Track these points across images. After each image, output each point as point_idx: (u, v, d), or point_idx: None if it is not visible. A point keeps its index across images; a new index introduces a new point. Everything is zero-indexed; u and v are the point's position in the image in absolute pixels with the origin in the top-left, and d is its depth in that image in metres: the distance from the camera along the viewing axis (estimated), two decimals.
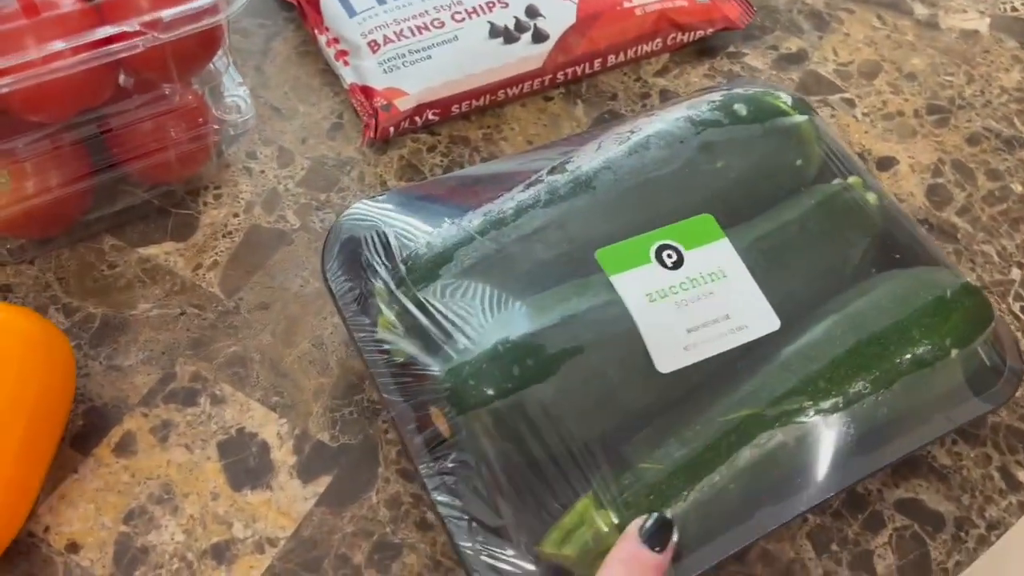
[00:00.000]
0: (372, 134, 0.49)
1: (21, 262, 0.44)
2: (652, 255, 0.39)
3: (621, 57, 0.55)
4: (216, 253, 0.45)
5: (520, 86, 0.52)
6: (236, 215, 0.46)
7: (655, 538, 0.34)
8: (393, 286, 0.39)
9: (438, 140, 0.51)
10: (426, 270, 0.39)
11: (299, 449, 0.40)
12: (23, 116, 0.38)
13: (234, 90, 0.43)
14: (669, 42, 0.56)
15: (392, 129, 0.49)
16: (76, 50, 0.35)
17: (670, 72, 0.56)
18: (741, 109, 0.44)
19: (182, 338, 0.42)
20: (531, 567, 0.34)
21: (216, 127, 0.42)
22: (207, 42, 0.39)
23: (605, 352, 0.37)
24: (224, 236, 0.46)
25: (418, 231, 0.41)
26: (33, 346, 0.35)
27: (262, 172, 0.48)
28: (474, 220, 0.40)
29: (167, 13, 0.36)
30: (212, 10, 0.37)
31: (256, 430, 0.40)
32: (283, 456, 0.39)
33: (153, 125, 0.42)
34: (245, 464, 0.39)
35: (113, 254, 0.44)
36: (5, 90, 0.33)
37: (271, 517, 0.38)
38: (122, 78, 0.41)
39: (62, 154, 0.41)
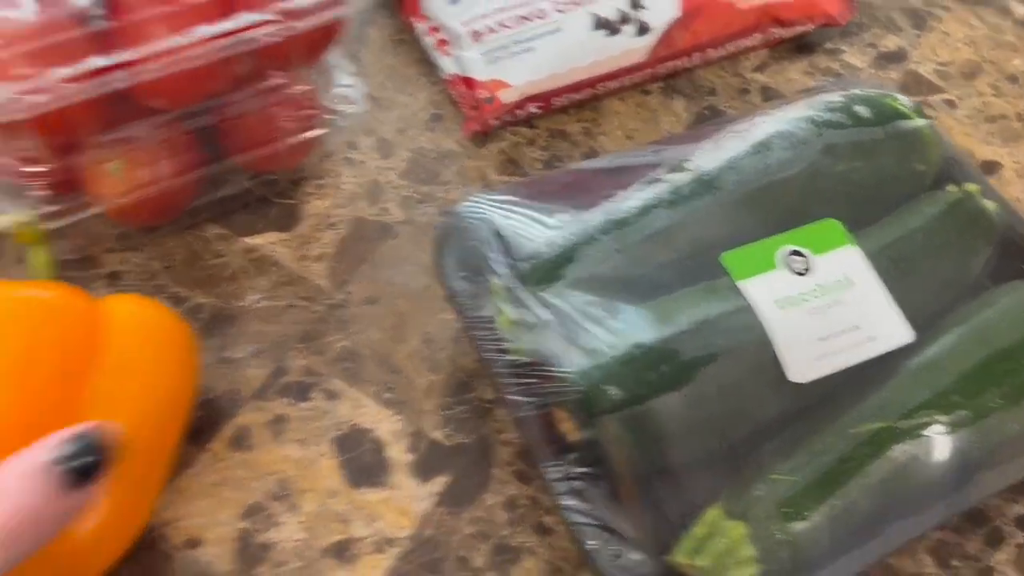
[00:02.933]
0: (476, 127, 0.48)
1: (127, 249, 0.43)
2: (779, 260, 0.38)
3: (721, 52, 0.53)
4: (321, 245, 0.44)
5: (621, 80, 0.51)
6: (339, 206, 0.46)
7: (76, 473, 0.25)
8: (514, 284, 0.38)
9: (537, 134, 0.50)
10: (548, 269, 0.38)
11: (414, 447, 0.39)
12: (146, 103, 0.37)
13: (345, 80, 0.42)
14: (769, 38, 0.55)
15: (495, 122, 0.48)
16: (211, 39, 0.34)
17: (768, 68, 0.55)
18: (863, 111, 0.43)
19: (291, 331, 0.42)
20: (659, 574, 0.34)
21: (328, 117, 0.42)
22: (331, 31, 0.38)
23: (738, 360, 0.36)
24: (328, 228, 0.45)
25: (535, 228, 0.40)
26: (163, 340, 0.35)
27: (363, 163, 0.47)
28: (595, 219, 0.39)
29: (301, 1, 0.35)
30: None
31: (370, 427, 0.39)
32: (398, 454, 0.39)
33: (265, 115, 0.41)
34: (361, 461, 0.38)
35: (219, 243, 0.44)
36: (148, 77, 0.33)
37: (390, 516, 0.37)
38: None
39: (174, 142, 0.40)
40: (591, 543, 0.34)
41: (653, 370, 0.35)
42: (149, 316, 0.35)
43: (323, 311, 0.42)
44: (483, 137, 0.49)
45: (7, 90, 0.32)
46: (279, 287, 0.43)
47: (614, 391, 0.35)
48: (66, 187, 0.39)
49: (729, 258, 0.38)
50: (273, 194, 0.46)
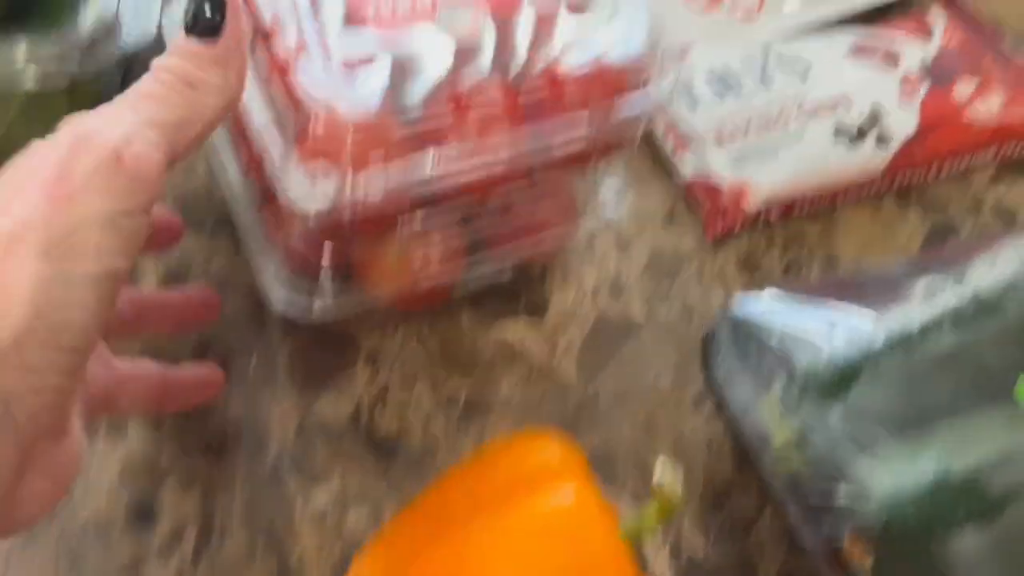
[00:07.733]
0: (718, 230, 0.48)
1: (386, 332, 0.44)
2: None
3: (954, 168, 0.53)
4: (568, 337, 0.45)
5: (858, 190, 0.50)
6: (583, 300, 0.46)
7: (198, 28, 0.28)
8: (793, 400, 0.37)
9: (773, 237, 0.50)
10: (831, 386, 0.37)
11: (675, 556, 0.38)
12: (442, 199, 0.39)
13: (609, 183, 0.43)
14: (1003, 153, 0.54)
15: (738, 227, 0.48)
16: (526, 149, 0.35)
17: (1000, 183, 0.54)
18: None
19: (547, 422, 0.41)
20: None
21: (596, 215, 0.42)
22: (624, 139, 0.39)
23: None
24: (574, 322, 0.45)
25: (810, 338, 0.39)
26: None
27: (603, 258, 0.48)
28: (877, 336, 0.39)
29: (617, 113, 0.36)
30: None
31: None
32: (660, 569, 0.38)
33: (533, 210, 0.42)
34: None
35: (471, 330, 0.44)
36: (463, 180, 0.34)
37: None
38: None
39: (447, 235, 0.41)
40: None
41: (962, 501, 0.33)
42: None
43: (573, 407, 0.42)
44: (721, 238, 0.49)
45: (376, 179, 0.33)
46: (531, 379, 0.43)
47: (920, 521, 0.33)
48: (340, 274, 0.40)
49: None
50: (521, 284, 0.46)
